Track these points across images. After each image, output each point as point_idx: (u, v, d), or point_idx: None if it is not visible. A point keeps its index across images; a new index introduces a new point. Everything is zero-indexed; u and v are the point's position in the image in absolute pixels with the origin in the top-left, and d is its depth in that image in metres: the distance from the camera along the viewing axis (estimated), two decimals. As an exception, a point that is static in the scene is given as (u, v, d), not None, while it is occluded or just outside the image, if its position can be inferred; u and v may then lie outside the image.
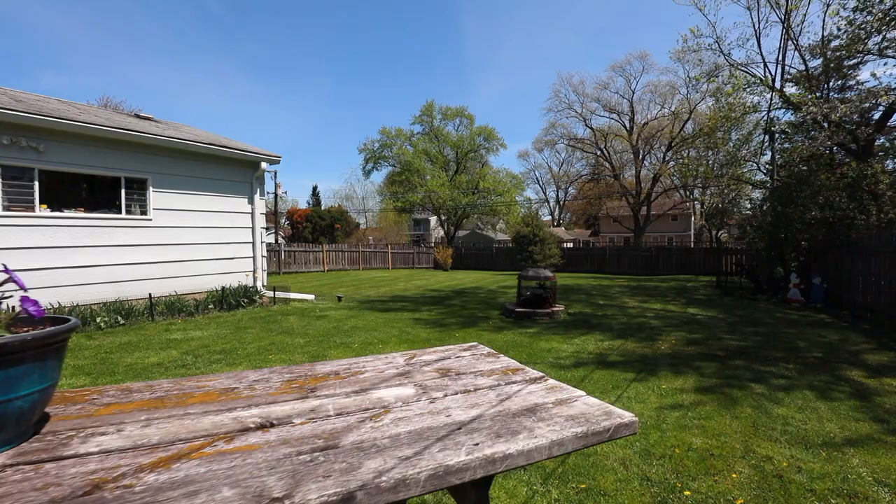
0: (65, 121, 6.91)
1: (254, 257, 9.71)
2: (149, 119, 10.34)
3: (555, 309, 8.38)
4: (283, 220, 39.13)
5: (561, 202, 62.92)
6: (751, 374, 4.84)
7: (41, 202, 7.01)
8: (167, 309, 7.78)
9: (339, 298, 10.72)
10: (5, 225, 6.59)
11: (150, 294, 7.59)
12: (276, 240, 37.81)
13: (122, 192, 7.82)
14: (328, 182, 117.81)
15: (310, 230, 35.25)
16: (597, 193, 43.25)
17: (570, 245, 46.27)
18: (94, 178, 7.78)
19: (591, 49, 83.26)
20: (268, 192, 48.83)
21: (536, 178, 61.60)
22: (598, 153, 38.17)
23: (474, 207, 44.22)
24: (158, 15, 78.22)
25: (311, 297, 10.75)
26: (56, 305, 6.85)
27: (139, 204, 8.06)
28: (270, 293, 10.17)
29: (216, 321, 7.59)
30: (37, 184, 6.90)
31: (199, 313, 8.04)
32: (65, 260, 7.07)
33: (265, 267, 10.00)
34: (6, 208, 6.63)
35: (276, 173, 37.31)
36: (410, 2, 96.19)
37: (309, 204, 46.90)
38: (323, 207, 41.94)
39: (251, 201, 9.66)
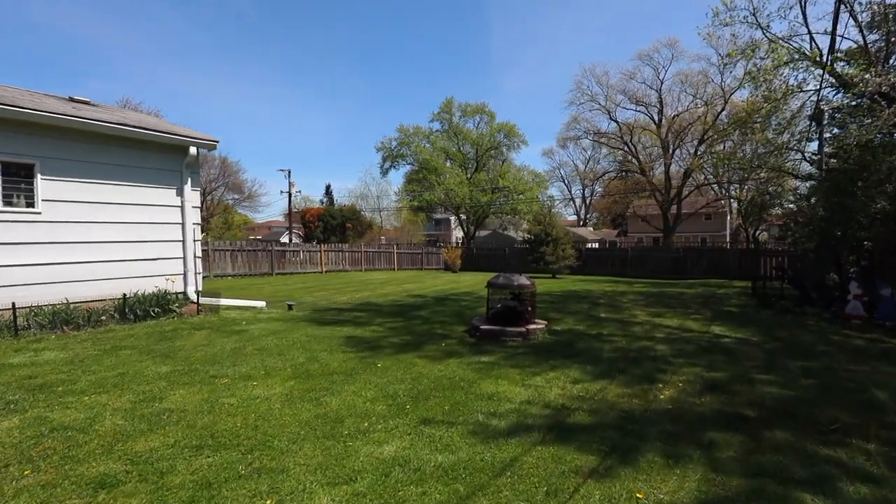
0: None
1: (184, 258, 8.15)
2: (84, 102, 8.96)
3: (532, 327, 6.39)
4: (297, 220, 38.21)
5: (587, 201, 59.84)
6: (804, 468, 2.77)
7: None
8: (49, 321, 6.27)
9: (290, 307, 9.04)
10: None
11: (13, 304, 6.08)
12: (290, 239, 36.96)
13: None
14: (343, 181, 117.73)
15: (321, 230, 34.10)
16: (623, 191, 40.28)
17: (596, 245, 43.45)
18: (-39, 162, 6.36)
19: (621, 47, 79.40)
20: (281, 191, 48.25)
21: (561, 177, 58.85)
22: (625, 148, 35.32)
23: (494, 206, 42.17)
24: (194, 21, 79.70)
25: (260, 304, 9.13)
26: None
27: (24, 194, 6.59)
28: (209, 300, 8.59)
29: (96, 338, 6.02)
30: None
31: (88, 326, 6.50)
32: None
33: (199, 269, 8.44)
34: None
35: (289, 172, 36.47)
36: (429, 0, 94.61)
37: (322, 203, 45.98)
38: (336, 207, 40.83)
39: (180, 193, 8.09)
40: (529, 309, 6.68)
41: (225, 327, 6.92)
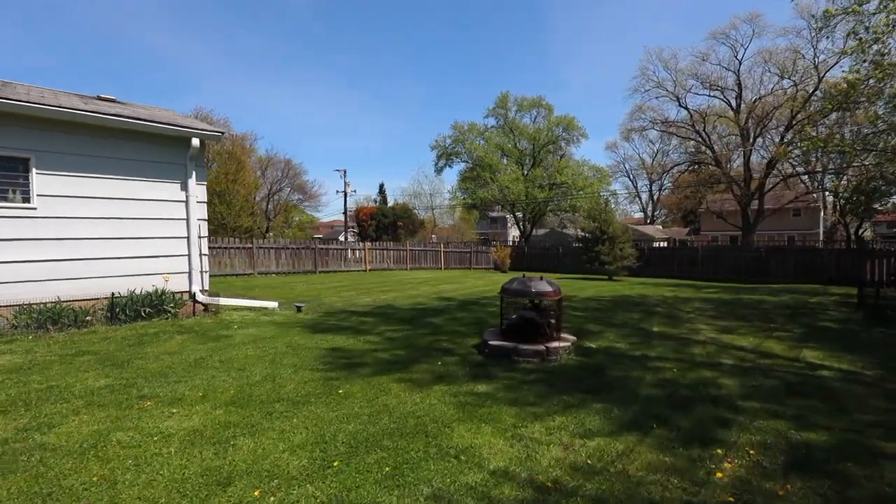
0: None
1: (188, 255, 7.63)
2: (108, 100, 8.80)
3: (554, 345, 5.03)
4: (352, 219, 38.50)
5: (654, 197, 55.35)
6: None
7: None
8: (34, 321, 5.89)
9: (299, 308, 8.28)
10: None
11: None
12: (346, 238, 37.31)
13: (-7, 173, 6.10)
14: (397, 180, 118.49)
15: (374, 228, 34.00)
16: (695, 184, 36.41)
17: (664, 244, 39.84)
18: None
19: (690, 30, 72.85)
20: (337, 191, 49.06)
21: (626, 171, 54.92)
22: (697, 138, 31.75)
23: (552, 204, 39.98)
24: (262, 34, 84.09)
25: (272, 304, 8.47)
26: None
27: (19, 189, 6.30)
28: (217, 300, 8.04)
29: (71, 340, 5.50)
30: None
31: (74, 327, 6.06)
32: None
33: (206, 268, 7.89)
34: None
35: (344, 172, 36.80)
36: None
37: (376, 202, 46.14)
38: (388, 206, 40.69)
39: (185, 187, 7.58)
40: (552, 322, 5.31)
41: (211, 332, 6.23)
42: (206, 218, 7.92)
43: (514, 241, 47.07)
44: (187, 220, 7.62)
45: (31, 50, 65.99)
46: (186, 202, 7.60)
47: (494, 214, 54.43)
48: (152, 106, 9.50)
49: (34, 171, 6.34)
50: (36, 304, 6.15)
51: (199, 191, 7.74)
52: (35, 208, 6.36)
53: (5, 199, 6.20)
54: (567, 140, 40.00)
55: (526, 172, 39.70)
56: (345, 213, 36.28)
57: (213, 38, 78.06)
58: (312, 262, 19.21)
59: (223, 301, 8.11)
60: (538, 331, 5.14)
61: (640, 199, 56.91)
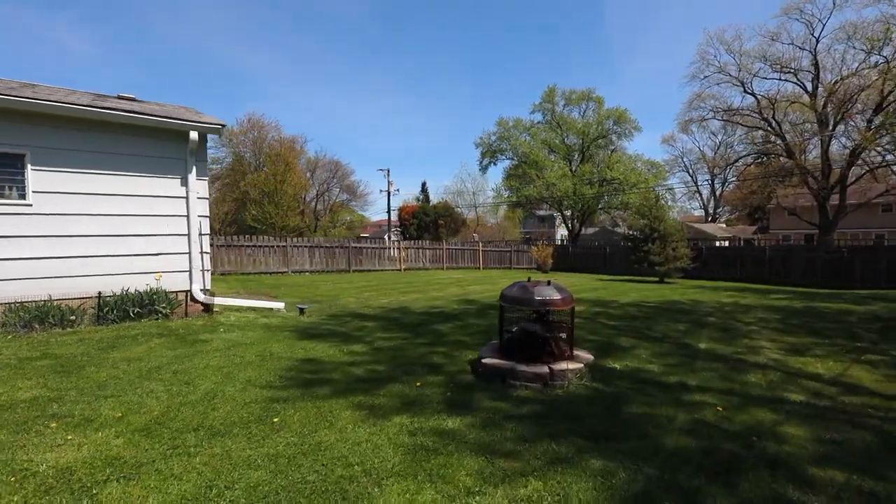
0: None
1: (189, 253, 7.26)
2: (129, 98, 8.70)
3: (563, 366, 3.99)
4: (394, 218, 38.34)
5: (716, 193, 50.95)
6: None
7: None
8: (20, 319, 5.66)
9: (302, 310, 7.69)
10: None
11: None
12: (389, 237, 37.21)
13: (-13, 170, 5.95)
14: (440, 178, 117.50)
15: (415, 227, 33.57)
16: (763, 178, 32.81)
17: (725, 244, 36.43)
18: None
19: (753, 11, 66.52)
20: (381, 190, 49.15)
21: (685, 166, 50.95)
22: (766, 126, 28.48)
23: (602, 201, 37.74)
24: (318, 41, 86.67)
25: (278, 305, 7.96)
26: None
27: (15, 185, 6.13)
28: (220, 300, 7.64)
29: (48, 341, 5.15)
30: None
31: (59, 326, 5.78)
32: None
33: (207, 266, 7.49)
34: None
35: (388, 171, 36.69)
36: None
37: (418, 200, 45.69)
38: (430, 204, 40.12)
39: (185, 183, 7.21)
40: (561, 337, 4.27)
41: (192, 335, 5.73)
42: (208, 215, 7.52)
43: (562, 240, 45.12)
44: (188, 216, 7.24)
45: (121, 67, 71.98)
46: (187, 198, 7.22)
47: (542, 213, 52.50)
48: (169, 103, 9.31)
49: (29, 167, 6.14)
50: (29, 302, 5.93)
51: (199, 186, 7.35)
52: (30, 205, 6.16)
53: (1, 196, 6.05)
54: (618, 134, 37.62)
55: (574, 168, 37.75)
56: (388, 212, 36.17)
57: (273, 47, 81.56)
58: (346, 261, 18.93)
59: (226, 301, 7.69)
60: (542, 348, 4.13)
61: (700, 195, 52.64)
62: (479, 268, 23.31)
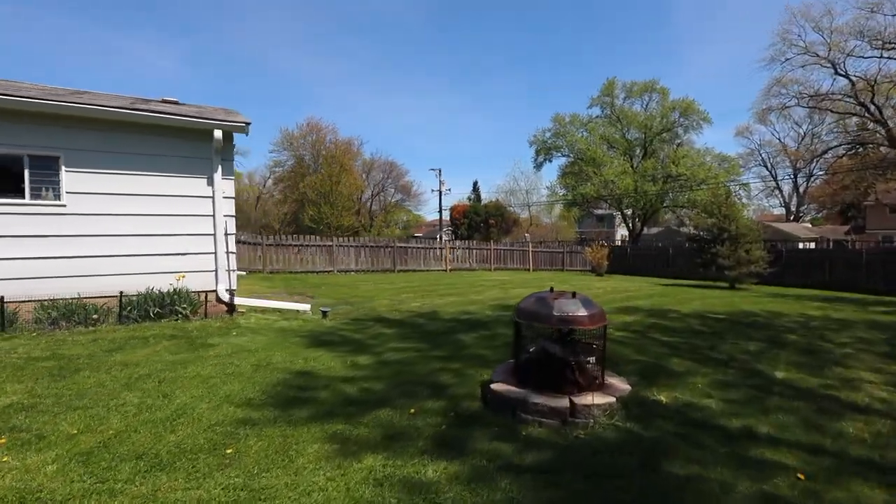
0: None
1: (215, 253, 7.14)
2: (172, 102, 8.86)
3: (588, 400, 3.18)
4: (446, 217, 37.96)
5: (800, 189, 45.58)
6: None
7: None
8: (48, 317, 5.72)
9: (325, 313, 7.32)
10: None
11: (1, 297, 5.62)
12: (441, 237, 36.92)
13: (26, 172, 6.09)
14: (492, 176, 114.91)
15: (466, 227, 32.95)
16: (860, 171, 28.68)
17: (811, 245, 32.38)
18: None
19: None
20: (432, 190, 48.83)
21: (762, 160, 46.13)
22: (862, 112, 24.82)
23: (667, 199, 34.98)
24: (376, 45, 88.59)
25: (304, 307, 7.68)
26: None
27: (51, 187, 6.26)
28: (247, 301, 7.49)
29: (65, 340, 5.11)
30: None
31: (82, 325, 5.78)
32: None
33: (233, 266, 7.35)
34: None
35: (439, 171, 36.36)
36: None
37: (470, 200, 44.87)
38: (481, 204, 39.25)
39: (211, 182, 7.09)
40: (588, 362, 3.45)
41: (202, 338, 5.49)
42: (234, 214, 7.37)
43: (622, 241, 42.58)
44: (213, 216, 7.12)
45: (200, 80, 78.04)
46: (213, 198, 7.10)
47: (600, 212, 49.87)
48: (207, 106, 9.37)
49: (63, 168, 6.25)
50: (60, 300, 6.02)
51: (226, 186, 7.21)
52: (64, 205, 6.26)
53: (38, 197, 6.19)
54: (685, 126, 34.70)
55: (635, 165, 35.32)
56: (439, 211, 35.88)
57: (333, 55, 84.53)
58: (391, 261, 18.72)
59: (251, 302, 7.52)
60: (563, 374, 3.34)
61: (780, 191, 47.34)
62: (528, 269, 22.26)
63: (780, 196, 47.44)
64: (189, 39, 76.16)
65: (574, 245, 25.09)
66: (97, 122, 6.37)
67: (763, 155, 46.05)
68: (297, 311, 7.61)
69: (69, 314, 5.83)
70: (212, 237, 7.15)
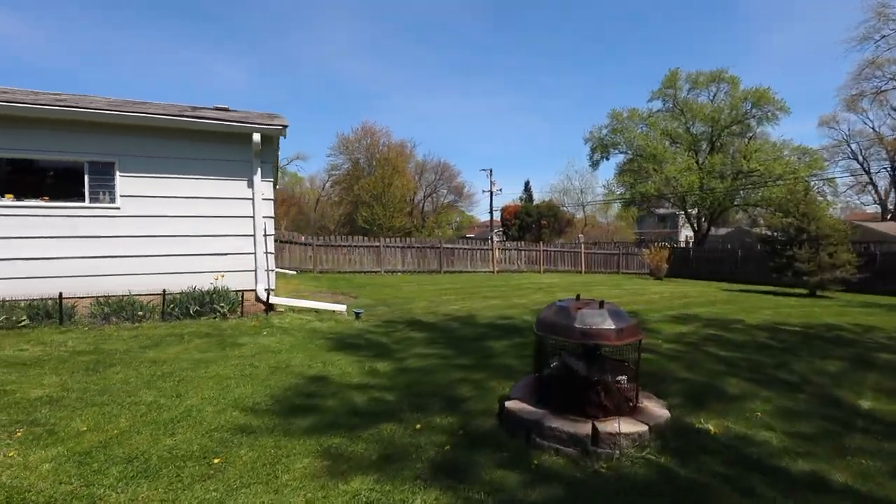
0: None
1: (254, 254, 7.29)
2: (223, 109, 9.27)
3: (610, 426, 2.74)
4: (497, 218, 37.37)
5: (900, 184, 39.93)
6: None
7: (6, 191, 6.23)
8: (101, 312, 6.08)
9: (357, 315, 7.24)
10: None
11: (60, 294, 6.01)
12: (492, 238, 36.43)
13: (86, 178, 6.53)
14: (545, 175, 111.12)
15: (517, 227, 32.19)
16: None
17: (914, 248, 28.28)
18: (59, 164, 6.70)
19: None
20: (483, 191, 48.05)
21: (852, 153, 41.05)
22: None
23: (738, 197, 32.14)
24: (429, 47, 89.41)
25: (340, 307, 7.66)
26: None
27: (107, 191, 6.66)
28: (285, 300, 7.60)
29: (111, 335, 5.38)
30: (-9, 171, 6.14)
31: (129, 321, 6.08)
32: (11, 251, 6.11)
33: (271, 266, 7.47)
34: (-36, 196, 6.03)
35: (490, 171, 35.89)
36: (673, -30, 79.73)
37: (521, 200, 43.72)
38: (533, 204, 38.13)
39: (251, 185, 7.26)
40: (618, 381, 2.99)
41: (234, 337, 5.56)
42: (273, 215, 7.51)
43: (685, 242, 39.78)
44: (253, 217, 7.27)
45: (267, 90, 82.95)
46: (252, 199, 7.26)
47: (662, 211, 46.94)
48: (254, 111, 9.66)
49: (118, 173, 6.63)
50: (113, 296, 6.38)
51: (265, 188, 7.35)
52: (118, 208, 6.64)
53: (97, 200, 6.60)
54: (759, 118, 31.74)
55: (701, 161, 32.82)
56: (490, 212, 35.41)
57: (387, 59, 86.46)
58: (438, 262, 18.60)
59: (289, 302, 7.61)
60: (585, 395, 2.91)
61: (874, 187, 41.78)
62: (580, 272, 21.27)
63: (873, 192, 41.99)
64: (257, 53, 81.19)
65: (631, 247, 23.66)
66: (147, 130, 6.70)
67: (853, 146, 41.00)
68: (333, 311, 7.60)
69: (119, 310, 6.15)
70: (251, 238, 7.30)
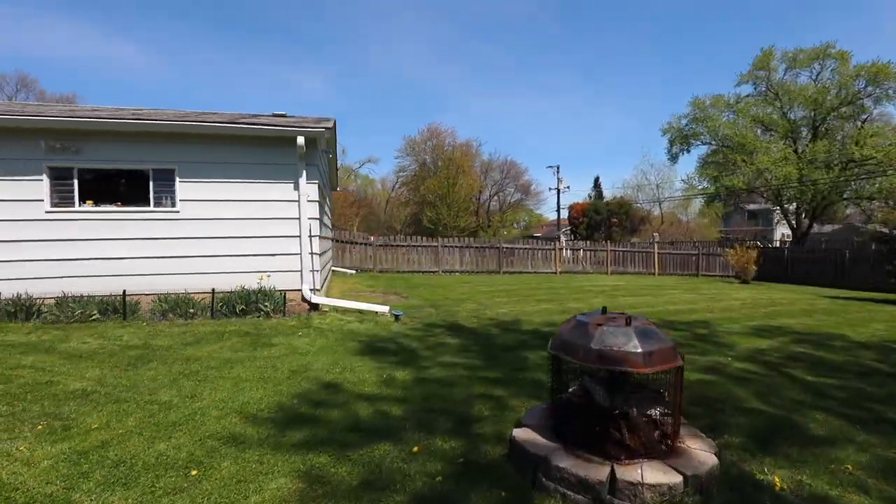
0: (84, 119, 6.54)
1: (299, 254, 7.41)
2: (281, 115, 9.66)
3: (632, 475, 2.20)
4: (565, 216, 35.79)
5: None
6: None
7: (86, 198, 6.90)
8: (159, 309, 6.48)
9: (397, 317, 7.06)
10: (53, 220, 6.70)
11: (123, 291, 6.47)
12: (560, 238, 35.01)
13: (151, 184, 7.02)
14: (617, 171, 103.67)
15: (585, 226, 30.53)
16: None
17: None
18: (129, 172, 7.23)
19: None
20: (549, 188, 46.06)
21: None
22: None
23: (846, 189, 27.82)
24: (498, 47, 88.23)
25: (383, 308, 7.55)
26: (68, 295, 6.50)
27: (168, 195, 7.11)
28: (328, 301, 7.66)
29: (164, 331, 5.68)
30: (76, 181, 6.79)
31: (181, 318, 6.40)
32: (87, 252, 6.73)
33: (316, 266, 7.54)
34: (54, 205, 6.74)
35: (557, 168, 34.44)
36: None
37: (590, 197, 41.24)
38: (602, 201, 35.86)
39: (297, 187, 7.38)
40: (647, 415, 2.42)
41: (267, 337, 5.60)
42: (318, 217, 7.57)
43: (780, 241, 35.37)
44: (299, 219, 7.39)
45: (344, 99, 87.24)
46: (298, 201, 7.37)
47: (753, 207, 42.12)
48: (310, 116, 9.91)
49: (177, 179, 7.05)
50: (172, 294, 6.79)
51: (310, 189, 7.44)
52: (178, 211, 7.06)
53: (160, 205, 7.08)
54: (875, 97, 27.23)
55: (800, 149, 28.85)
56: (557, 210, 34.00)
57: (455, 61, 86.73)
58: (496, 262, 18.08)
59: (332, 302, 7.65)
60: (605, 431, 2.38)
61: None
62: (652, 273, 19.58)
63: None
64: (334, 62, 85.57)
65: (713, 246, 21.34)
66: (201, 137, 7.05)
67: None
68: (376, 312, 7.50)
69: (175, 307, 6.52)
70: (297, 239, 7.42)
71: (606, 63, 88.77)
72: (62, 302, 6.29)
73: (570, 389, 2.72)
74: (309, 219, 7.43)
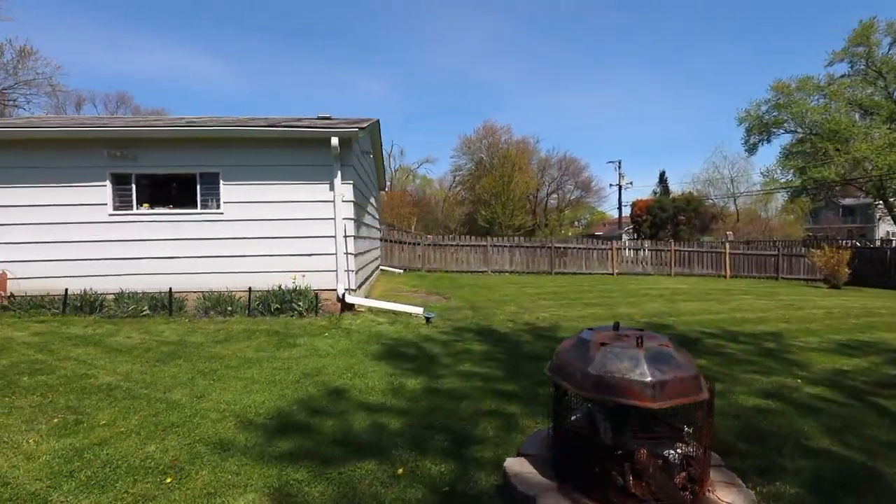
0: (140, 128, 6.99)
1: (335, 254, 7.43)
2: (326, 118, 9.84)
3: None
4: (627, 214, 33.81)
5: None
6: None
7: (143, 201, 7.40)
8: (203, 306, 6.78)
9: (428, 319, 6.84)
10: (115, 222, 7.25)
11: (170, 288, 6.80)
12: (622, 236, 33.12)
13: (198, 187, 7.37)
14: (686, 165, 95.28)
15: (648, 224, 28.55)
16: None
17: None
18: (178, 176, 7.64)
19: None
20: (610, 185, 43.35)
21: None
22: None
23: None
24: (558, 42, 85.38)
25: (417, 310, 7.37)
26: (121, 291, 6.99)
27: (213, 198, 7.42)
28: (363, 301, 7.63)
29: (201, 328, 5.89)
30: (134, 186, 7.30)
31: (219, 315, 6.64)
32: (142, 251, 7.20)
33: (352, 266, 7.52)
34: (116, 208, 7.30)
35: (619, 163, 32.56)
36: None
37: (655, 193, 38.29)
38: (669, 196, 33.21)
39: (332, 188, 7.40)
40: (663, 457, 1.96)
41: (293, 337, 5.60)
42: (353, 217, 7.55)
43: (884, 239, 30.90)
44: (334, 219, 7.41)
45: (402, 101, 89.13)
46: (333, 202, 7.39)
47: (851, 201, 37.22)
48: (354, 118, 9.97)
49: (221, 182, 7.34)
50: (215, 292, 7.08)
51: (345, 190, 7.43)
52: (222, 213, 7.35)
53: (206, 207, 7.41)
54: None
55: (908, 134, 24.90)
56: (619, 207, 32.21)
57: (511, 57, 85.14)
58: (548, 263, 17.35)
59: (368, 302, 7.59)
60: (606, 474, 1.97)
61: None
62: (723, 276, 17.80)
63: None
64: (394, 65, 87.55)
65: (797, 247, 19.00)
66: (242, 141, 7.29)
67: None
68: (409, 314, 7.34)
69: (217, 305, 6.78)
70: (332, 239, 7.44)
71: (668, 50, 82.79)
72: (119, 298, 6.77)
73: (573, 418, 2.32)
74: (344, 219, 7.42)
